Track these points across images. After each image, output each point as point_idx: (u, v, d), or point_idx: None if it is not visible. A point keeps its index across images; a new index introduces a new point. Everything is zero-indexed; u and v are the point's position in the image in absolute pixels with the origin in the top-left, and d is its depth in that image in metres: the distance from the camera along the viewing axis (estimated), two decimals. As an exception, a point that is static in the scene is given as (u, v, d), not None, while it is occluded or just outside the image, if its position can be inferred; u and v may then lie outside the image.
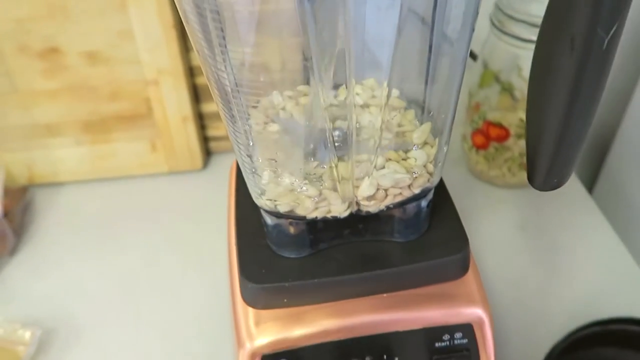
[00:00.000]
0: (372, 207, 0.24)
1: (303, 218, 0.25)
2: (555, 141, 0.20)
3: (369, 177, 0.24)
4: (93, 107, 0.49)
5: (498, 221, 0.45)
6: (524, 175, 0.47)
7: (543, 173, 0.21)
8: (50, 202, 0.51)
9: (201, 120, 0.53)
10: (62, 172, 0.52)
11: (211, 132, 0.54)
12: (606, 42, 0.16)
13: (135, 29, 0.45)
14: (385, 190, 0.23)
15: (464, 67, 0.23)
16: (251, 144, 0.25)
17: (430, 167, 0.24)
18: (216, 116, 0.53)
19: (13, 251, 0.46)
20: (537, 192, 0.49)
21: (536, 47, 0.19)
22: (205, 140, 0.54)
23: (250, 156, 0.26)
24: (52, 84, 0.47)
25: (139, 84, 0.48)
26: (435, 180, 0.25)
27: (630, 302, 0.39)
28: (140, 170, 0.52)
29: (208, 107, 0.52)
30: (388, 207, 0.25)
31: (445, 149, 0.25)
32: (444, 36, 0.21)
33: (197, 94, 0.51)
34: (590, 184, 0.60)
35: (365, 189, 0.24)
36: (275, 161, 0.24)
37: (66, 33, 0.45)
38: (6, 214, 0.45)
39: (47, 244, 0.47)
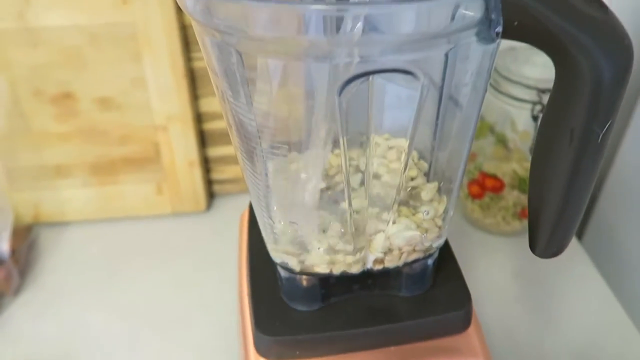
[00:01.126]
0: (384, 265, 0.26)
1: (316, 274, 0.26)
2: (554, 216, 0.22)
3: (383, 233, 0.25)
4: (102, 150, 0.50)
5: (493, 269, 0.47)
6: (517, 224, 0.49)
7: (544, 243, 0.23)
8: (55, 241, 0.52)
9: (206, 164, 0.54)
10: (68, 212, 0.53)
11: (215, 175, 0.55)
12: (601, 136, 0.18)
13: (148, 77, 0.47)
14: (399, 249, 0.25)
15: (474, 129, 0.25)
16: (268, 190, 0.26)
17: (439, 222, 0.26)
18: (221, 160, 0.54)
19: (17, 291, 0.47)
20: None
21: (538, 134, 0.21)
22: (209, 183, 0.55)
23: (267, 205, 0.27)
24: (64, 127, 0.49)
25: (149, 129, 0.50)
26: (442, 238, 0.27)
27: (620, 352, 0.40)
28: (145, 211, 0.53)
29: (214, 152, 0.54)
30: (398, 266, 0.26)
31: (452, 207, 0.26)
32: (455, 101, 0.23)
33: (204, 139, 0.53)
34: (580, 231, 0.62)
35: (379, 245, 0.25)
36: (292, 216, 0.26)
37: (81, 80, 0.47)
38: (12, 254, 0.46)
39: (51, 284, 0.47)
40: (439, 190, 0.26)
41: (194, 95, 0.50)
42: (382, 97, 0.20)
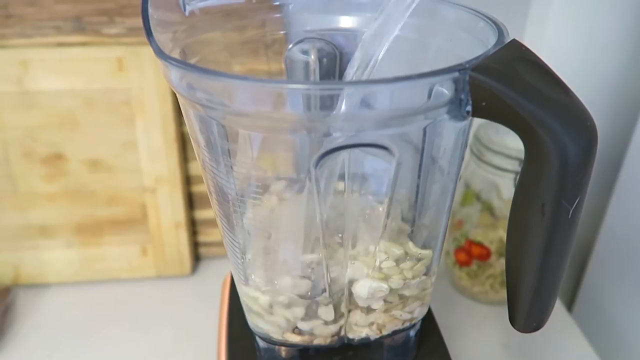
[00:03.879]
0: (363, 334, 0.25)
1: (295, 345, 0.26)
2: (531, 290, 0.22)
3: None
4: (89, 210, 0.50)
5: (482, 339, 0.46)
6: (505, 293, 0.48)
7: (523, 317, 0.23)
8: (34, 303, 0.50)
9: (193, 226, 0.54)
10: (49, 274, 0.52)
11: (202, 237, 0.55)
12: (571, 211, 0.19)
13: (140, 140, 0.48)
14: (379, 325, 0.25)
15: (452, 200, 0.25)
16: (246, 258, 0.26)
17: (423, 292, 0.26)
18: (208, 222, 0.54)
19: (-11, 356, 0.45)
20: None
21: (511, 209, 0.21)
22: (195, 245, 0.55)
23: (245, 274, 0.27)
24: (51, 187, 0.49)
25: (137, 190, 0.50)
26: (425, 307, 0.26)
27: None
28: (127, 274, 0.52)
29: (201, 214, 0.54)
30: (378, 338, 0.26)
31: (433, 277, 0.26)
32: (432, 173, 0.24)
33: (192, 201, 0.53)
34: (569, 303, 0.62)
35: (357, 317, 0.25)
36: (269, 284, 0.26)
37: (72, 141, 0.48)
38: (-12, 317, 0.45)
39: (27, 348, 0.46)
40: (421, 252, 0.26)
41: (184, 158, 0.51)
42: (360, 166, 0.21)
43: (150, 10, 0.22)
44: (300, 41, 0.28)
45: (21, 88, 0.46)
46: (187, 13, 0.25)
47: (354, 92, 0.18)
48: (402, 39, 0.23)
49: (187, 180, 0.52)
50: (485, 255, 0.46)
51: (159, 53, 0.20)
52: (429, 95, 0.18)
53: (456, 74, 0.18)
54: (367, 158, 0.21)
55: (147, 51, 0.46)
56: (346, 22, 0.28)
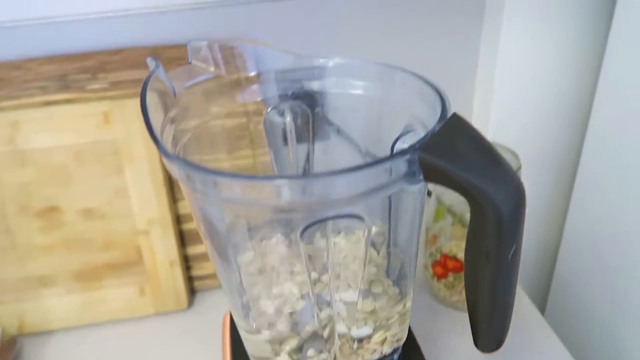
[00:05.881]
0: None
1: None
2: (487, 318, 0.26)
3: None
4: (86, 257, 0.53)
5: (464, 344, 0.49)
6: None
7: (484, 339, 0.27)
8: (40, 351, 0.52)
9: (186, 262, 0.57)
10: (53, 320, 0.54)
11: (196, 272, 0.58)
12: (510, 256, 0.23)
13: (130, 187, 0.51)
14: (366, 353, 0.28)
15: (417, 243, 0.29)
16: (244, 297, 0.30)
17: (396, 324, 0.29)
18: (200, 257, 0.57)
19: (1, 406, 0.47)
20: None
21: (465, 255, 0.26)
22: (189, 279, 0.58)
23: (244, 313, 0.30)
24: (48, 238, 0.51)
25: (131, 234, 0.53)
26: (405, 332, 0.30)
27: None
28: (127, 314, 0.55)
29: (193, 250, 0.57)
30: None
31: (408, 310, 0.30)
32: (404, 216, 0.27)
33: (183, 239, 0.56)
34: (541, 306, 0.66)
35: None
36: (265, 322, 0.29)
37: (66, 194, 0.50)
38: (-3, 369, 0.47)
39: (36, 396, 0.48)
40: (397, 286, 0.30)
41: (173, 199, 0.54)
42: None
43: (149, 109, 0.25)
44: (277, 105, 0.32)
45: (14, 147, 0.48)
46: (176, 95, 0.29)
47: (326, 182, 0.22)
48: (365, 97, 0.27)
49: (178, 220, 0.55)
50: (459, 268, 0.50)
51: (166, 155, 0.24)
52: (390, 173, 0.22)
53: (408, 156, 0.22)
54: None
55: (132, 103, 0.49)
56: (314, 85, 0.32)
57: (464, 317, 0.53)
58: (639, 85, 0.44)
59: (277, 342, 0.28)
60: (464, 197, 0.23)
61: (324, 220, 0.23)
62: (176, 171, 0.24)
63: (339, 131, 0.27)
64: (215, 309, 0.56)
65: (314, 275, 0.28)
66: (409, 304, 0.30)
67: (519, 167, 0.46)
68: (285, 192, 0.22)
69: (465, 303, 0.52)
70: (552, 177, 0.61)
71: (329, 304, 0.28)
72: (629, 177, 0.48)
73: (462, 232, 0.52)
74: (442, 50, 0.56)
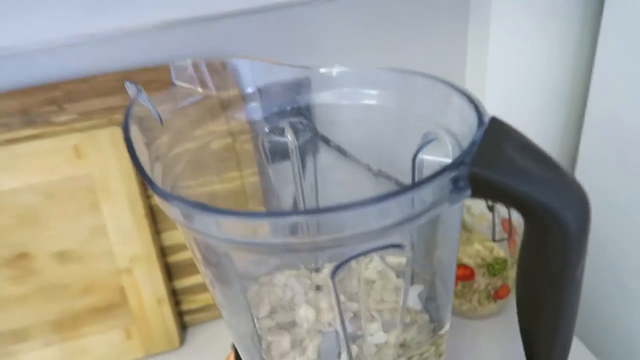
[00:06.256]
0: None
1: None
2: (548, 346, 0.23)
3: None
4: (64, 305, 0.48)
5: (480, 354, 0.48)
6: (493, 305, 0.50)
7: None
8: (19, 415, 0.47)
9: (175, 297, 0.53)
10: (31, 379, 0.49)
11: (186, 306, 0.54)
12: (577, 274, 0.21)
13: (108, 224, 0.47)
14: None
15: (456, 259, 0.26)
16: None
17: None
18: (190, 290, 0.53)
19: None
20: (507, 319, 0.52)
21: (519, 279, 0.23)
22: (180, 315, 0.53)
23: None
24: (20, 289, 0.46)
25: (112, 275, 0.48)
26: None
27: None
28: (115, 360, 0.50)
29: (181, 283, 0.53)
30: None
31: (444, 340, 0.27)
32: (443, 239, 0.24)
33: (169, 272, 0.52)
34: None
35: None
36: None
37: (36, 238, 0.46)
38: None
39: None
40: (427, 312, 0.27)
41: (156, 231, 0.50)
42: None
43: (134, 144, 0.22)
44: (276, 124, 0.29)
45: (-27, 192, 0.43)
46: (162, 122, 0.25)
47: (355, 214, 0.19)
48: (381, 108, 0.25)
49: (162, 252, 0.51)
50: (469, 275, 0.48)
51: (164, 196, 0.20)
52: (433, 195, 0.20)
53: (456, 173, 0.20)
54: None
55: (104, 134, 0.45)
56: (316, 98, 0.29)
57: (476, 325, 0.52)
58: (633, 76, 0.44)
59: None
60: (520, 212, 0.20)
61: (357, 256, 0.20)
62: (173, 212, 0.21)
63: (340, 149, 0.24)
64: (209, 343, 0.52)
65: (340, 311, 0.25)
66: (444, 332, 0.27)
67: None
68: (303, 228, 0.19)
69: (475, 310, 0.50)
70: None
71: (357, 341, 0.25)
72: (628, 171, 0.47)
73: (465, 236, 0.50)
74: (429, 53, 0.54)
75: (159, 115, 0.29)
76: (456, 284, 0.49)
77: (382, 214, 0.19)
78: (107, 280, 0.48)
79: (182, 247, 0.52)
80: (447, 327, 0.27)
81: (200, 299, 0.54)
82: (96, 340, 0.49)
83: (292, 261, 0.27)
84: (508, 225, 0.47)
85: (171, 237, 0.51)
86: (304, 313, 0.24)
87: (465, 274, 0.48)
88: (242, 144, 0.46)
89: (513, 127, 0.21)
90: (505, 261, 0.47)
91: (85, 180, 0.45)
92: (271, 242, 0.20)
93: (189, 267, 0.52)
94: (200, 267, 0.26)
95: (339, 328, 0.23)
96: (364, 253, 0.20)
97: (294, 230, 0.19)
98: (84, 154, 0.44)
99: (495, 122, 0.21)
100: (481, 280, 0.49)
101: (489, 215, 0.48)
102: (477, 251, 0.49)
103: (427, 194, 0.20)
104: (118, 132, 0.45)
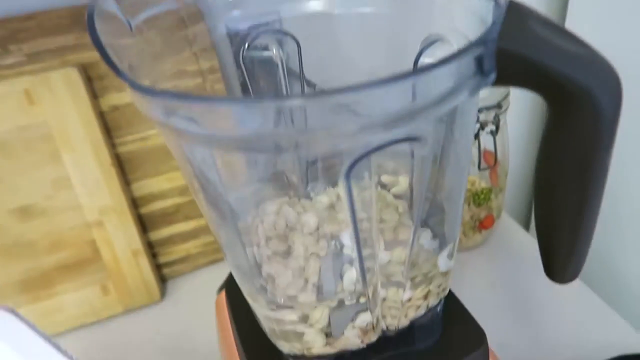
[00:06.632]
0: (397, 324, 0.25)
1: (330, 356, 0.24)
2: (569, 246, 0.22)
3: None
4: (31, 263, 0.45)
5: (467, 284, 0.48)
6: (478, 236, 0.50)
7: (561, 269, 0.23)
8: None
9: (152, 249, 0.50)
10: (4, 342, 0.46)
11: (164, 258, 0.51)
12: (608, 161, 0.19)
13: (72, 175, 0.43)
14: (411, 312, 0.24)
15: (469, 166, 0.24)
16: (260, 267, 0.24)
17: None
18: (167, 241, 0.51)
19: None
20: (492, 249, 0.52)
21: (539, 171, 0.21)
22: (158, 267, 0.51)
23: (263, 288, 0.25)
24: (-19, 249, 0.43)
25: (81, 228, 0.45)
26: (448, 284, 0.26)
27: (610, 341, 0.42)
28: (93, 317, 0.48)
29: (157, 235, 0.50)
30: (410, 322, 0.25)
31: (453, 259, 0.26)
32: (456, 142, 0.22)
33: (143, 224, 0.49)
34: (526, 222, 0.65)
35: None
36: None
37: (-7, 194, 0.42)
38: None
39: None
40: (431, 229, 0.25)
41: (125, 181, 0.47)
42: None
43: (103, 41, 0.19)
44: (257, 37, 0.26)
45: None
46: (133, 30, 0.22)
47: (371, 94, 0.16)
48: (377, 15, 0.22)
49: (134, 204, 0.48)
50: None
51: (137, 87, 0.17)
52: (456, 76, 0.17)
53: (482, 49, 0.17)
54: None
55: (58, 76, 0.41)
56: (302, 7, 0.26)
57: (461, 257, 0.51)
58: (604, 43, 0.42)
59: (304, 317, 0.23)
60: (545, 96, 0.18)
61: (373, 151, 0.17)
62: (153, 108, 0.18)
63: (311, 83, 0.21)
64: (191, 295, 0.51)
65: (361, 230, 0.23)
66: (450, 250, 0.26)
67: (508, 93, 0.43)
68: (295, 116, 0.16)
69: (460, 242, 0.50)
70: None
71: (372, 266, 0.23)
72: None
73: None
74: None
75: (128, 22, 0.25)
76: (441, 217, 0.48)
77: (402, 96, 0.16)
78: (76, 235, 0.45)
79: (154, 198, 0.49)
80: (454, 242, 0.26)
81: (178, 250, 0.52)
82: (71, 298, 0.47)
83: (282, 186, 0.24)
84: (491, 156, 0.46)
85: (142, 188, 0.48)
86: (301, 238, 0.22)
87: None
88: (213, 84, 0.43)
89: (532, 7, 0.18)
90: (489, 190, 0.47)
91: (41, 129, 0.41)
92: (260, 133, 0.17)
93: (164, 217, 0.50)
94: (194, 190, 0.24)
95: (351, 241, 0.21)
96: (381, 147, 0.18)
97: (278, 120, 0.16)
98: (36, 100, 0.40)
99: (513, 3, 0.19)
100: (466, 213, 0.48)
101: (472, 149, 0.47)
102: (459, 184, 0.48)
103: (447, 76, 0.17)
104: (73, 73, 0.41)
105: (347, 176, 0.18)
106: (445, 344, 0.27)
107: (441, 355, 0.27)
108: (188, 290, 0.51)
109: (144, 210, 0.49)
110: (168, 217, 0.50)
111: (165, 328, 0.48)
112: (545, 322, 0.44)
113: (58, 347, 0.24)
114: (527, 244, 0.52)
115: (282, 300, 0.23)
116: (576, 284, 0.47)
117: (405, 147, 0.19)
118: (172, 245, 0.51)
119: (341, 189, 0.18)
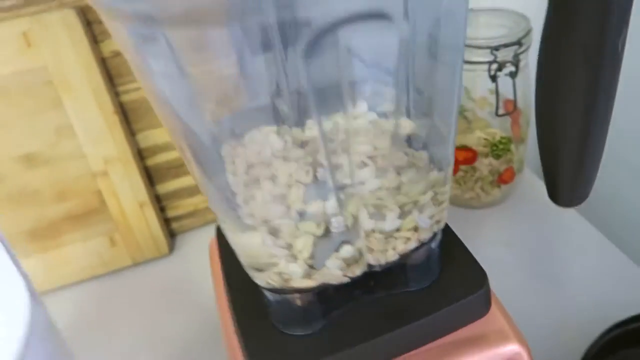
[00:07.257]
0: (384, 256, 0.23)
1: (312, 288, 0.23)
2: (575, 155, 0.19)
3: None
4: (38, 212, 0.45)
5: (483, 243, 0.45)
6: (497, 192, 0.47)
7: (567, 190, 0.20)
8: (5, 326, 0.45)
9: (159, 203, 0.50)
10: (14, 290, 0.46)
11: (172, 212, 0.51)
12: (619, 46, 0.16)
13: (75, 123, 0.43)
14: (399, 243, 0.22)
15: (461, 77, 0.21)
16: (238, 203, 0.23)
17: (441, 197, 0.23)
18: (174, 195, 0.50)
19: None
20: (512, 206, 0.49)
21: (540, 70, 0.18)
22: (166, 222, 0.51)
23: (236, 211, 0.23)
24: (-12, 197, 0.43)
25: (86, 178, 0.45)
26: (444, 217, 0.24)
27: (634, 298, 0.39)
28: (101, 269, 0.48)
29: (164, 188, 0.49)
30: (400, 257, 0.23)
31: (448, 185, 0.23)
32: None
33: (150, 177, 0.48)
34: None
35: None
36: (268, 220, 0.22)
37: (-4, 140, 0.42)
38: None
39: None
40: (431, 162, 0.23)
41: (130, 131, 0.46)
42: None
43: None
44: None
45: None
46: None
47: None
48: None
49: (140, 155, 0.47)
50: (471, 158, 0.44)
51: None
52: None
53: None
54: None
55: (55, 18, 0.40)
56: None
57: (478, 214, 0.48)
58: None
59: (289, 245, 0.21)
60: None
61: (333, 29, 0.15)
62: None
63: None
64: (201, 250, 0.50)
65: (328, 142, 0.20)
66: (448, 172, 0.23)
67: (530, 30, 0.40)
68: None
69: (479, 199, 0.47)
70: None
71: (345, 189, 0.21)
72: None
73: (465, 125, 0.45)
74: None
75: None
76: (457, 169, 0.45)
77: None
78: (81, 184, 0.45)
79: (161, 149, 0.48)
80: (449, 165, 0.23)
81: (185, 204, 0.51)
82: (79, 248, 0.47)
83: (274, 117, 0.22)
84: (510, 102, 0.43)
85: (147, 138, 0.47)
86: (284, 166, 0.20)
87: (467, 157, 0.44)
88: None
89: None
90: (509, 139, 0.43)
91: (41, 74, 0.41)
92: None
93: (170, 170, 0.49)
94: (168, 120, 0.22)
95: (324, 161, 0.18)
96: (347, 22, 0.15)
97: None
98: (34, 43, 0.40)
99: None
100: (483, 166, 0.45)
101: (491, 98, 0.43)
102: (478, 138, 0.45)
103: None
104: (71, 15, 0.40)
105: (307, 54, 0.16)
106: (442, 286, 0.25)
107: (437, 297, 0.24)
108: (197, 245, 0.51)
109: (150, 162, 0.48)
110: (174, 170, 0.49)
111: (174, 282, 0.47)
112: (567, 282, 0.41)
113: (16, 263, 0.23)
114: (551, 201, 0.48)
115: (264, 227, 0.22)
116: (599, 240, 0.44)
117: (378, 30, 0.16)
118: (179, 199, 0.50)
119: (301, 70, 0.16)
